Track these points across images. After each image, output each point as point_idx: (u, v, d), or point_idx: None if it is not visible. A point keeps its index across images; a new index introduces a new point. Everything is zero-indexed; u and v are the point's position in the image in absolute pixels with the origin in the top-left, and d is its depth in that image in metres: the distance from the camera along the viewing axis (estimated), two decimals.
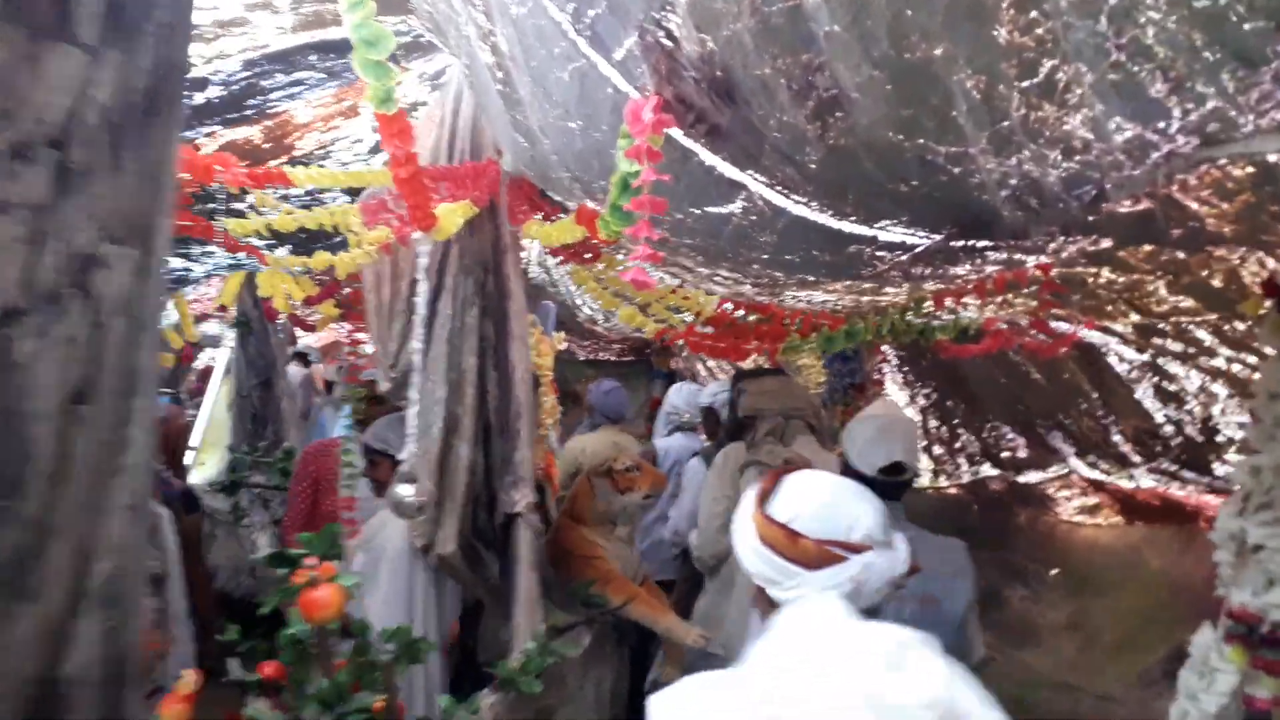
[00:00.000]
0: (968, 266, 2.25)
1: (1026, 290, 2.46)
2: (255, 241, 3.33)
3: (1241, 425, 2.99)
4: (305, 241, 3.61)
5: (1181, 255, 2.03)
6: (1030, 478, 4.82)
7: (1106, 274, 2.32)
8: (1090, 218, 1.57)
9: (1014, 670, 4.25)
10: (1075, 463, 4.38)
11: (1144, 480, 3.99)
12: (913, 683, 1.20)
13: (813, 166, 1.51)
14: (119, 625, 1.12)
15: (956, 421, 4.96)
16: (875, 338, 2.92)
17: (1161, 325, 2.66)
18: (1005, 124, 1.20)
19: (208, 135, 2.69)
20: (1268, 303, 1.71)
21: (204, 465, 6.05)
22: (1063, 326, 2.94)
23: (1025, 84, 1.12)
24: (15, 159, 0.86)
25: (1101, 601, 4.36)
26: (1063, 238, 1.84)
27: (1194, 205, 1.48)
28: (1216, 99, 1.02)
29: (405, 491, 2.45)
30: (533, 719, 2.78)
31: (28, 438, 0.93)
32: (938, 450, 5.22)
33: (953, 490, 5.37)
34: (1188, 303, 2.38)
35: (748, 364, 5.01)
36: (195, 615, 3.78)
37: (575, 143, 1.83)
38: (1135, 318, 2.66)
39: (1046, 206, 1.42)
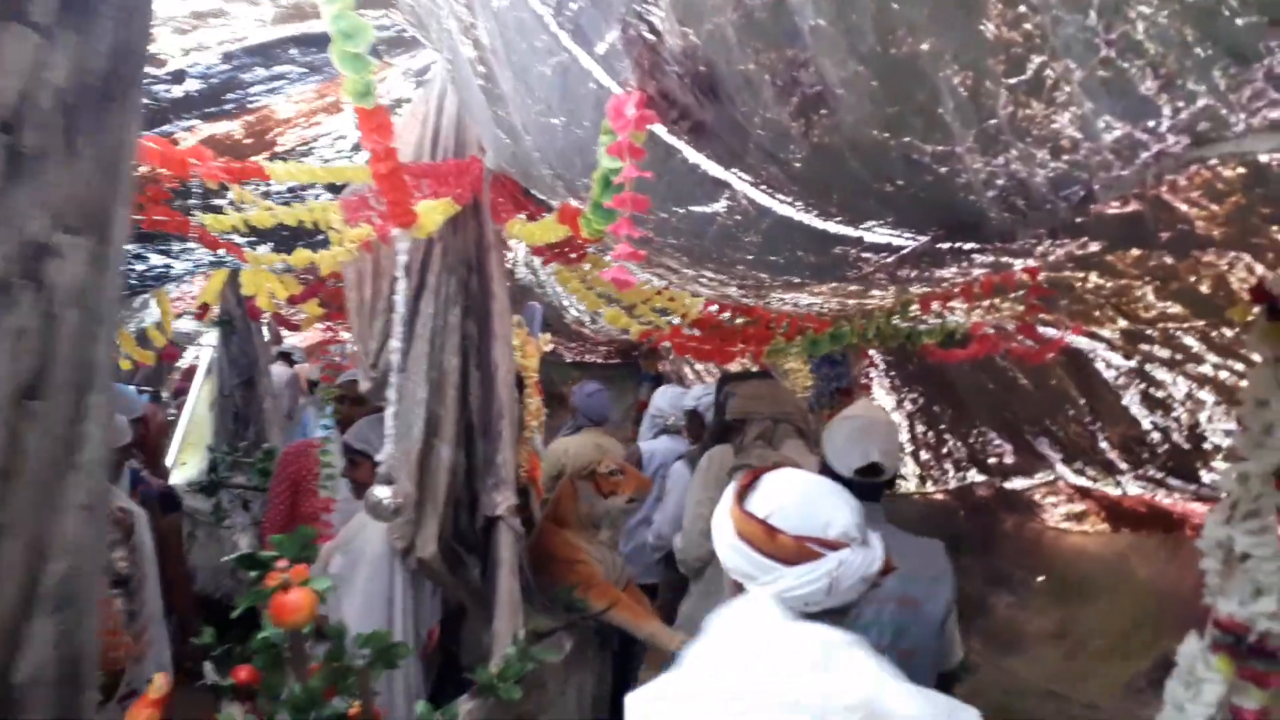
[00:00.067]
0: (954, 269, 2.23)
1: (1014, 294, 2.44)
2: (236, 239, 3.29)
3: (1228, 432, 2.98)
4: (287, 239, 3.57)
5: (1170, 260, 2.01)
6: (1017, 484, 4.82)
7: (1094, 279, 2.31)
8: (1078, 219, 1.55)
9: (999, 678, 4.24)
10: (1062, 469, 4.38)
11: (1131, 487, 3.99)
12: (835, 685, 1.23)
13: (797, 165, 1.49)
14: (74, 627, 1.09)
15: (943, 427, 4.95)
16: (861, 341, 2.90)
17: (1149, 331, 2.65)
18: (992, 122, 1.18)
19: (187, 129, 2.65)
20: (1256, 309, 1.70)
21: (185, 465, 6.00)
22: (1050, 332, 2.92)
23: (1013, 81, 1.10)
24: None
25: (1088, 609, 4.36)
26: (1050, 241, 1.82)
27: (1184, 207, 1.46)
28: (1207, 97, 1.00)
29: (382, 493, 2.41)
30: None
31: None
32: (924, 456, 5.21)
33: (939, 496, 5.36)
34: (1175, 309, 2.37)
35: (734, 367, 4.99)
36: (175, 617, 3.73)
37: (557, 139, 1.80)
38: (1123, 323, 2.65)
39: (1034, 208, 1.40)
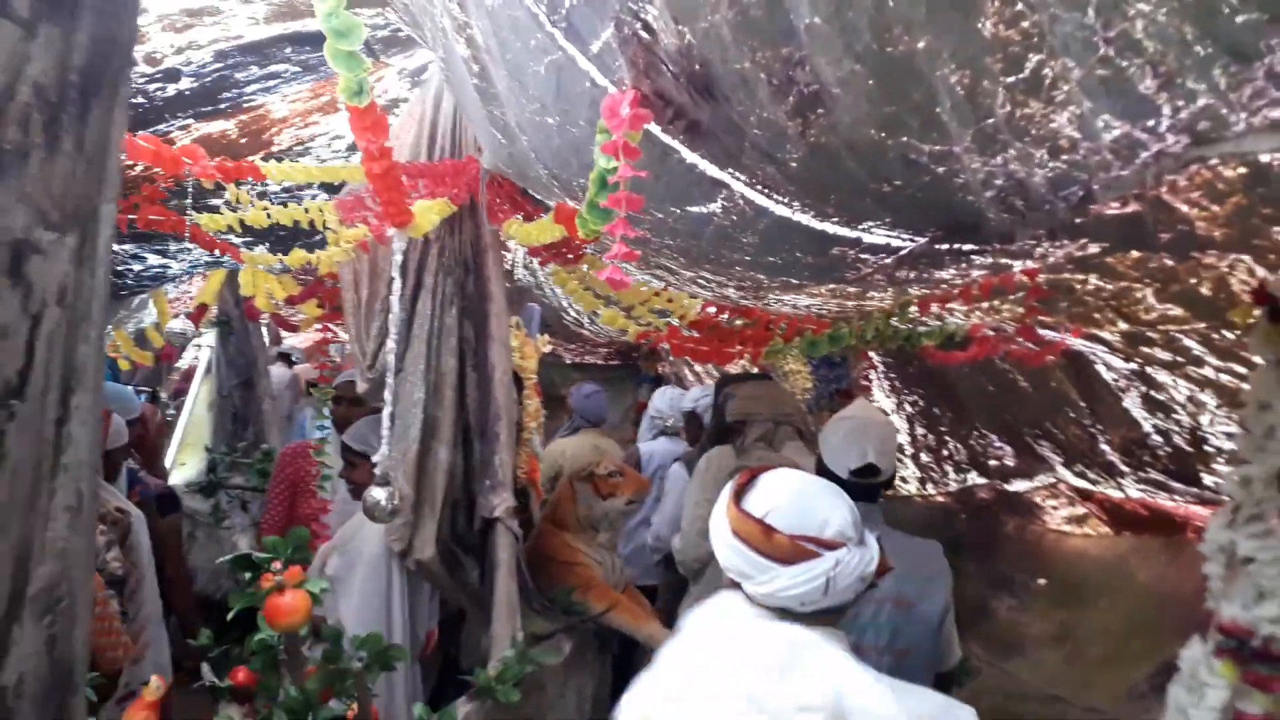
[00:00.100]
0: (953, 271, 2.21)
1: (1013, 296, 2.43)
2: (233, 239, 3.28)
3: (1230, 435, 2.96)
4: (284, 239, 3.56)
5: (1170, 262, 2.00)
6: (1018, 486, 4.80)
7: (1094, 281, 2.30)
8: (1077, 220, 1.54)
9: (1000, 682, 4.22)
10: (1063, 472, 4.36)
11: (1132, 490, 3.97)
12: (793, 686, 1.26)
13: (794, 165, 1.47)
14: (62, 632, 1.07)
15: (944, 429, 4.93)
16: (860, 343, 2.89)
17: (1150, 334, 2.63)
18: (990, 121, 1.17)
19: (181, 128, 2.64)
20: (1257, 311, 1.68)
21: (184, 466, 5.99)
22: (1050, 334, 2.91)
23: (1011, 79, 1.09)
24: None
25: (1089, 612, 4.33)
26: (1049, 242, 1.81)
27: (1184, 208, 1.45)
28: (1208, 96, 0.99)
29: (379, 494, 2.40)
30: None
31: None
32: (925, 458, 5.19)
33: (940, 498, 5.34)
34: (1176, 311, 2.35)
35: (735, 368, 4.98)
36: (176, 618, 3.72)
37: (553, 139, 1.79)
38: (1123, 326, 2.63)
39: (1033, 208, 1.39)
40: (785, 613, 1.40)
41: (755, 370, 4.62)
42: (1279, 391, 1.47)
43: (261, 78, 2.47)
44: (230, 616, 2.08)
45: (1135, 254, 1.96)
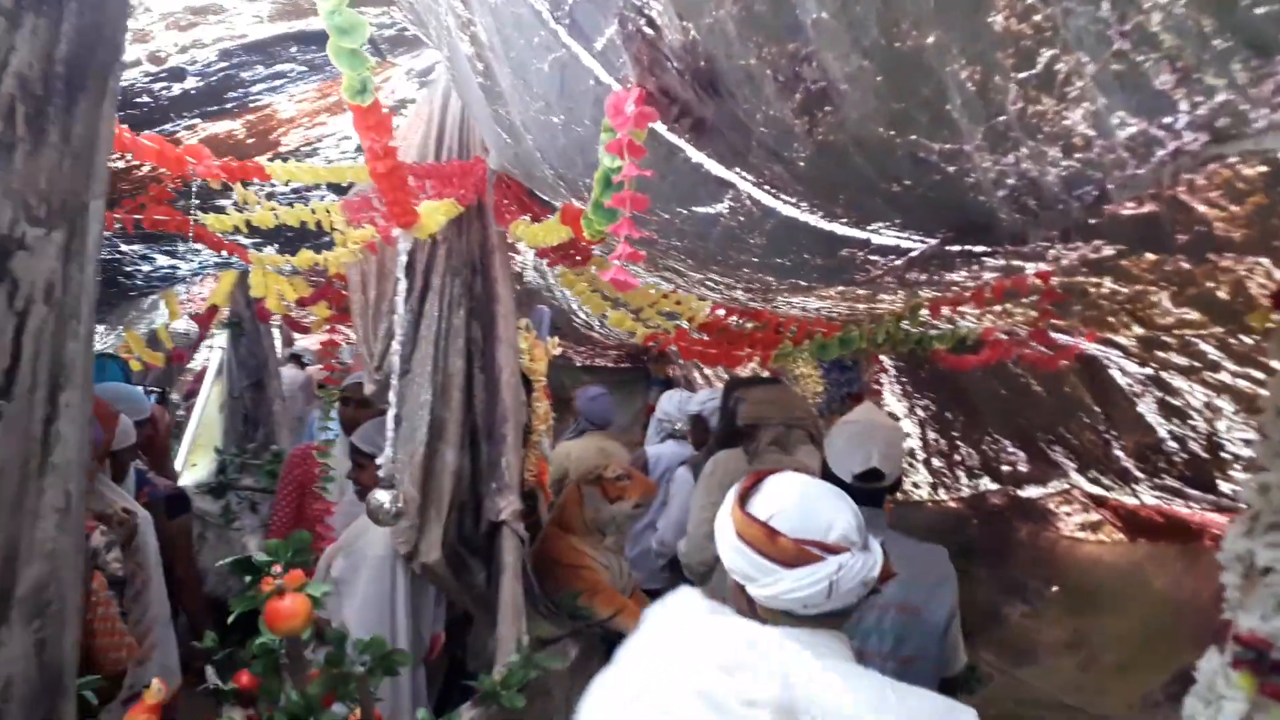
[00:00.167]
0: (964, 273, 2.19)
1: (1026, 300, 2.40)
2: (241, 240, 3.27)
3: (1247, 442, 2.92)
4: (292, 240, 3.55)
5: (1186, 265, 1.96)
6: (1031, 492, 4.76)
7: (1109, 284, 2.26)
8: (1091, 220, 1.51)
9: (1012, 689, 4.17)
10: (1077, 478, 4.31)
11: (1147, 497, 3.92)
12: (740, 682, 1.28)
13: (801, 164, 1.45)
14: (51, 636, 1.06)
15: (956, 434, 4.89)
16: (870, 346, 2.86)
17: (1165, 338, 2.60)
18: (1001, 118, 1.14)
19: (188, 128, 2.63)
20: (1275, 315, 1.65)
21: (195, 466, 5.99)
22: (1063, 338, 2.87)
23: (1023, 75, 1.06)
24: None
25: (1103, 620, 4.29)
26: (1062, 244, 1.78)
27: (1201, 207, 1.42)
28: (1227, 91, 0.96)
29: (383, 497, 2.38)
30: None
31: None
32: (937, 463, 5.15)
33: (952, 504, 5.30)
34: (1192, 315, 2.32)
35: (744, 372, 4.95)
36: (187, 618, 3.71)
37: (558, 138, 1.77)
38: (1138, 330, 2.60)
39: (1045, 208, 1.36)
40: (788, 615, 1.40)
41: (765, 374, 4.59)
42: None
43: (267, 77, 2.46)
44: (230, 620, 2.06)
45: (1151, 256, 1.93)
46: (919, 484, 5.34)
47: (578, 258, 3.03)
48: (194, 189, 2.47)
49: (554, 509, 3.45)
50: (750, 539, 1.42)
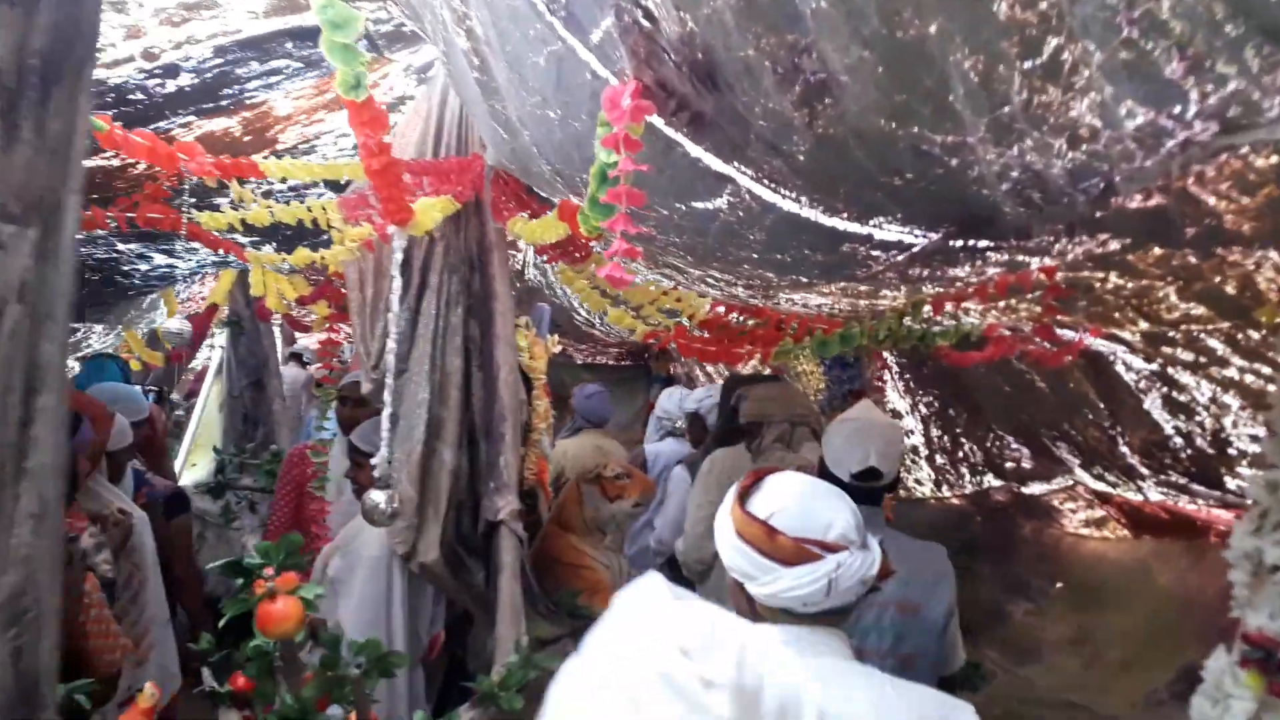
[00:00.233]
0: (967, 268, 2.16)
1: (1030, 295, 2.37)
2: (238, 238, 3.25)
3: (1254, 438, 2.89)
4: (290, 238, 3.52)
5: (1193, 260, 1.94)
6: (1035, 489, 4.73)
7: (1114, 279, 2.23)
8: (1098, 214, 1.48)
9: (1015, 687, 4.15)
10: (1081, 474, 4.29)
11: (1152, 493, 3.90)
12: (699, 665, 1.28)
13: (801, 158, 1.42)
14: (28, 644, 1.03)
15: (959, 430, 4.87)
16: (872, 343, 2.83)
17: (1171, 333, 2.57)
18: (1006, 109, 1.12)
19: (183, 126, 2.61)
20: None
21: (195, 466, 5.98)
22: (1068, 334, 2.84)
23: (1027, 64, 1.03)
24: None
25: (1107, 618, 4.27)
26: (1068, 238, 1.75)
27: (1211, 200, 1.39)
28: (1238, 80, 0.93)
29: (379, 497, 2.35)
30: None
31: None
32: (940, 460, 5.12)
33: (955, 501, 5.27)
34: (1199, 310, 2.29)
35: (747, 369, 4.92)
36: (187, 618, 3.69)
37: (554, 133, 1.74)
38: (1144, 325, 2.57)
39: (1050, 201, 1.33)
40: (788, 613, 1.41)
41: (766, 370, 4.56)
42: None
43: (263, 74, 2.44)
44: (222, 623, 2.04)
45: (1158, 251, 1.90)
46: (922, 481, 5.32)
47: (577, 255, 3.00)
48: (188, 187, 2.45)
49: (553, 508, 3.43)
50: (750, 537, 1.42)
